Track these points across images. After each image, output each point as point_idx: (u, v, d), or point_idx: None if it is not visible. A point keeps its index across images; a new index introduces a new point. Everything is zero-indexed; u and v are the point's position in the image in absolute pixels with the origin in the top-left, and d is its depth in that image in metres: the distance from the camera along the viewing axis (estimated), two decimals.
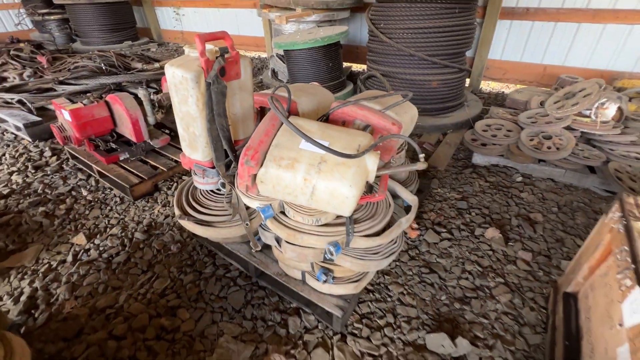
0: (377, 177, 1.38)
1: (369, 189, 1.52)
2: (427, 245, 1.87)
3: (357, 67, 5.23)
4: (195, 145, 1.42)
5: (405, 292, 1.60)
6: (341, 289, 1.39)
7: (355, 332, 1.41)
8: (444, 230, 1.96)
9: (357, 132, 1.34)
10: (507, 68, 4.17)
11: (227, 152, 1.42)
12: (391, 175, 1.80)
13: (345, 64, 5.10)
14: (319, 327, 1.43)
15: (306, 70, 3.57)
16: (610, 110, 2.36)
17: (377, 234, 1.39)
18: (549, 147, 2.34)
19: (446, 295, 1.59)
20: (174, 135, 2.73)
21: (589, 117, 2.44)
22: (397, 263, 1.76)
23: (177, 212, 1.47)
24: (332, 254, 1.26)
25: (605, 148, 2.36)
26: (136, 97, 2.65)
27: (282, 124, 1.34)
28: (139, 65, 4.00)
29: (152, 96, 2.41)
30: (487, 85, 4.48)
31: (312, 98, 1.83)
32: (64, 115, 2.23)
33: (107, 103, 2.32)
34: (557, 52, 3.80)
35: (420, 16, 2.81)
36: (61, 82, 3.56)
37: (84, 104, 2.23)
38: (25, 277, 1.68)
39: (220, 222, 1.46)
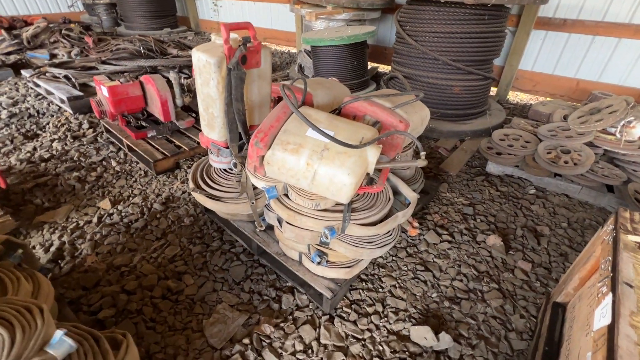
0: (379, 170, 1.45)
1: (370, 180, 1.58)
2: (427, 245, 1.91)
3: (383, 68, 5.24)
4: (213, 125, 1.54)
5: (397, 285, 1.65)
6: (334, 272, 1.47)
7: (344, 315, 1.48)
8: (446, 232, 1.99)
9: (363, 125, 1.40)
10: (538, 80, 4.06)
11: (241, 134, 1.53)
12: (395, 172, 1.84)
13: (372, 65, 5.14)
14: (310, 307, 1.52)
15: (330, 67, 3.64)
16: (637, 130, 2.28)
17: (374, 224, 1.46)
18: (566, 162, 2.29)
19: (437, 293, 1.62)
20: (199, 118, 2.90)
21: (613, 134, 2.36)
22: (394, 258, 1.81)
23: (191, 184, 1.60)
24: (327, 237, 1.34)
25: (628, 168, 2.29)
26: (168, 80, 2.83)
27: (292, 112, 1.42)
28: (174, 51, 4.22)
29: (182, 80, 2.57)
30: (514, 96, 4.38)
31: (328, 92, 1.90)
32: (103, 91, 2.44)
33: (141, 83, 2.51)
34: (593, 67, 3.65)
35: (448, 20, 2.81)
36: (103, 62, 3.84)
37: (121, 82, 2.42)
38: (56, 231, 1.88)
39: (228, 197, 1.58)
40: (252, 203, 1.52)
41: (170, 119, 2.54)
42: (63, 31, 4.84)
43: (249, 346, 1.33)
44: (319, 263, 1.44)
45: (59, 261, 1.69)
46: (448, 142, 3.08)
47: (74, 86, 3.37)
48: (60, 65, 3.76)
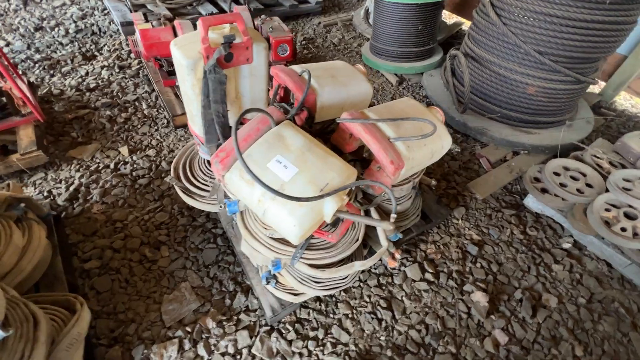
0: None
1: (335, 221, 1.45)
2: (404, 279, 1.79)
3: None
4: (193, 120, 1.48)
5: (350, 315, 1.63)
6: (281, 294, 1.49)
7: (283, 331, 1.55)
8: (432, 271, 1.82)
9: (338, 163, 1.22)
10: None
11: (220, 137, 1.46)
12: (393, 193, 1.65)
13: (456, 19, 4.26)
14: (257, 313, 1.60)
15: (389, 27, 3.10)
16: None
17: (328, 265, 1.39)
18: (624, 229, 1.81)
19: (387, 337, 1.58)
20: None
21: None
22: (361, 284, 1.75)
23: (172, 172, 1.64)
24: (271, 268, 1.32)
25: None
26: None
27: (266, 130, 1.29)
28: None
29: None
30: (626, 100, 3.37)
31: (340, 89, 1.66)
32: (136, 32, 2.43)
33: (173, 28, 2.43)
34: None
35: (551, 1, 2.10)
36: None
37: (153, 26, 2.38)
38: (80, 170, 2.14)
39: (201, 196, 1.60)
40: (220, 207, 1.53)
41: None
42: None
43: (190, 335, 1.49)
44: (267, 283, 1.46)
45: (74, 202, 1.96)
46: (496, 153, 2.60)
47: (129, 9, 3.41)
48: None
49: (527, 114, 2.61)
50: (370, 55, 3.41)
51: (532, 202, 2.17)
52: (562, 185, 2.06)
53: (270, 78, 1.54)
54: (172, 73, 2.65)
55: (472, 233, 2.04)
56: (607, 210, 1.90)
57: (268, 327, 1.55)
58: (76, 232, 1.81)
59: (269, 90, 1.63)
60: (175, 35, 2.46)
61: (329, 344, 1.52)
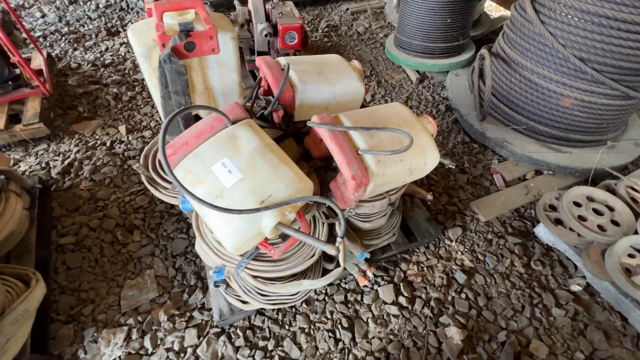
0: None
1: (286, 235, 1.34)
2: (374, 299, 1.65)
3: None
4: (159, 108, 1.42)
5: (307, 330, 1.54)
6: (230, 299, 1.43)
7: (233, 336, 1.49)
8: (407, 294, 1.66)
9: (289, 174, 1.11)
10: None
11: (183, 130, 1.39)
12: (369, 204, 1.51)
13: (503, 14, 3.81)
14: (211, 312, 1.56)
15: (415, 19, 2.82)
16: None
17: (279, 278, 1.30)
18: None
19: (340, 359, 1.47)
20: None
21: None
22: (326, 298, 1.64)
23: (141, 160, 1.61)
24: (213, 274, 1.26)
25: None
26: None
27: (220, 129, 1.20)
28: None
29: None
30: None
31: (325, 87, 1.53)
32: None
33: None
34: None
35: None
36: None
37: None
38: (79, 144, 2.22)
39: (163, 187, 1.56)
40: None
41: None
42: None
43: (140, 324, 1.49)
44: (216, 286, 1.40)
45: (65, 176, 2.03)
46: (515, 170, 2.30)
47: None
48: None
49: (559, 128, 2.27)
50: (392, 48, 3.15)
51: (543, 232, 1.89)
52: (582, 218, 1.77)
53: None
54: None
55: (464, 258, 1.83)
56: (630, 255, 1.60)
57: (219, 330, 1.50)
58: (61, 206, 1.88)
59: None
60: None
61: (277, 357, 1.45)
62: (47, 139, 2.21)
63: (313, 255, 1.32)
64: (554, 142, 2.32)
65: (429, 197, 1.88)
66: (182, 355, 1.42)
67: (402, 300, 1.65)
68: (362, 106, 1.74)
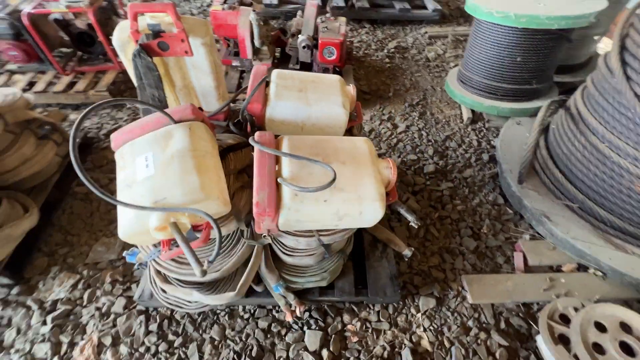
0: None
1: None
2: (296, 340, 1.49)
3: None
4: None
5: (216, 343, 1.49)
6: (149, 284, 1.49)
7: (151, 320, 1.54)
8: (333, 351, 1.46)
9: (194, 184, 1.10)
10: None
11: None
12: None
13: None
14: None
15: (479, 52, 2.46)
16: None
17: (180, 280, 1.30)
18: None
19: None
20: (280, 63, 2.84)
21: None
22: (252, 319, 1.56)
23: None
24: (126, 255, 1.33)
25: None
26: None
27: (164, 125, 1.27)
28: None
29: (259, 22, 2.46)
30: None
31: (301, 107, 1.49)
32: None
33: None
34: None
35: None
36: None
37: (223, 9, 2.60)
38: (131, 115, 2.62)
39: None
40: None
41: (246, 56, 2.62)
42: None
43: (89, 278, 1.68)
44: (136, 268, 1.48)
45: (107, 137, 2.42)
46: (547, 255, 1.80)
47: None
48: None
49: (627, 220, 1.69)
50: (452, 81, 2.82)
51: (542, 345, 1.44)
52: (597, 347, 1.28)
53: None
54: (237, 54, 2.87)
55: (424, 337, 1.52)
56: None
57: (143, 309, 1.58)
58: (92, 161, 2.26)
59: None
60: None
61: (177, 356, 1.45)
62: (114, 106, 2.68)
63: (218, 271, 1.28)
64: (616, 235, 1.73)
65: (407, 252, 1.63)
66: (105, 318, 1.55)
67: (324, 354, 1.46)
68: (350, 133, 1.62)
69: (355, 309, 1.60)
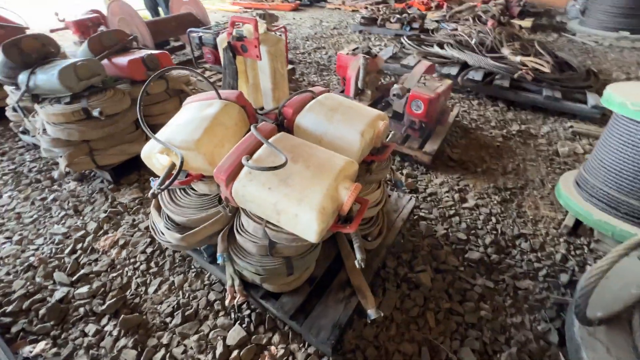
0: None
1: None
2: (223, 327, 1.51)
3: None
4: None
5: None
6: None
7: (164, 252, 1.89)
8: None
9: (196, 134, 1.39)
10: None
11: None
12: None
13: None
14: None
15: (606, 155, 1.90)
16: None
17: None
18: None
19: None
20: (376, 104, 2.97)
21: None
22: (207, 288, 1.67)
23: None
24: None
25: None
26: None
27: (212, 98, 1.65)
28: (506, 52, 3.73)
29: (365, 66, 2.69)
30: None
31: (323, 122, 1.64)
32: None
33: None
34: None
35: None
36: (439, 44, 4.25)
37: (348, 54, 3.03)
38: None
39: None
40: None
41: (349, 94, 2.93)
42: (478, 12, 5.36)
43: (143, 200, 2.20)
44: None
45: None
46: None
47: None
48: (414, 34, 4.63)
49: None
50: (567, 180, 2.25)
51: None
52: None
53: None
54: (342, 92, 3.23)
55: None
56: None
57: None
58: None
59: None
60: None
61: (142, 278, 1.71)
62: None
63: (185, 218, 1.48)
64: None
65: (372, 312, 1.43)
66: (133, 228, 2.00)
67: (234, 353, 1.41)
68: (368, 167, 1.60)
69: (291, 335, 1.48)
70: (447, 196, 2.27)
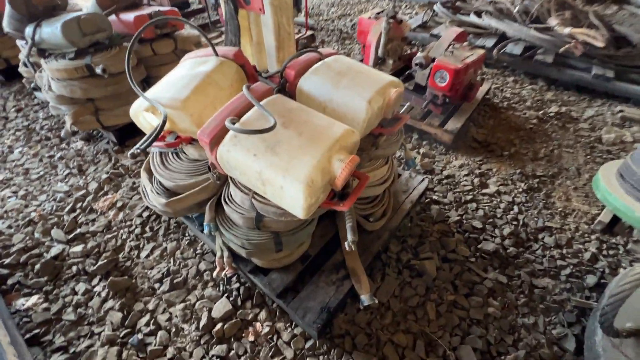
0: None
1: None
2: (211, 298, 1.45)
3: None
4: None
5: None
6: None
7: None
8: (228, 336, 1.34)
9: (188, 89, 1.28)
10: None
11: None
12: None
13: None
14: None
15: None
16: None
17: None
18: None
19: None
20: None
21: None
22: (199, 257, 1.62)
23: None
24: None
25: None
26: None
27: (210, 55, 1.52)
28: (554, 22, 3.29)
29: (388, 31, 2.43)
30: None
31: (328, 88, 1.47)
32: None
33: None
34: None
35: None
36: (476, 12, 3.83)
37: (370, 17, 2.75)
38: None
39: None
40: None
41: (367, 63, 2.69)
42: None
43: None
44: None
45: None
46: None
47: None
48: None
49: None
50: (607, 170, 1.97)
51: None
52: None
53: None
54: (361, 61, 2.98)
55: None
56: None
57: None
58: None
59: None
60: None
61: (136, 242, 1.68)
62: None
63: (173, 183, 1.40)
64: None
65: (365, 297, 1.32)
66: (133, 192, 1.97)
67: (218, 326, 1.36)
68: (375, 140, 1.45)
69: (278, 314, 1.40)
70: (466, 180, 2.06)
